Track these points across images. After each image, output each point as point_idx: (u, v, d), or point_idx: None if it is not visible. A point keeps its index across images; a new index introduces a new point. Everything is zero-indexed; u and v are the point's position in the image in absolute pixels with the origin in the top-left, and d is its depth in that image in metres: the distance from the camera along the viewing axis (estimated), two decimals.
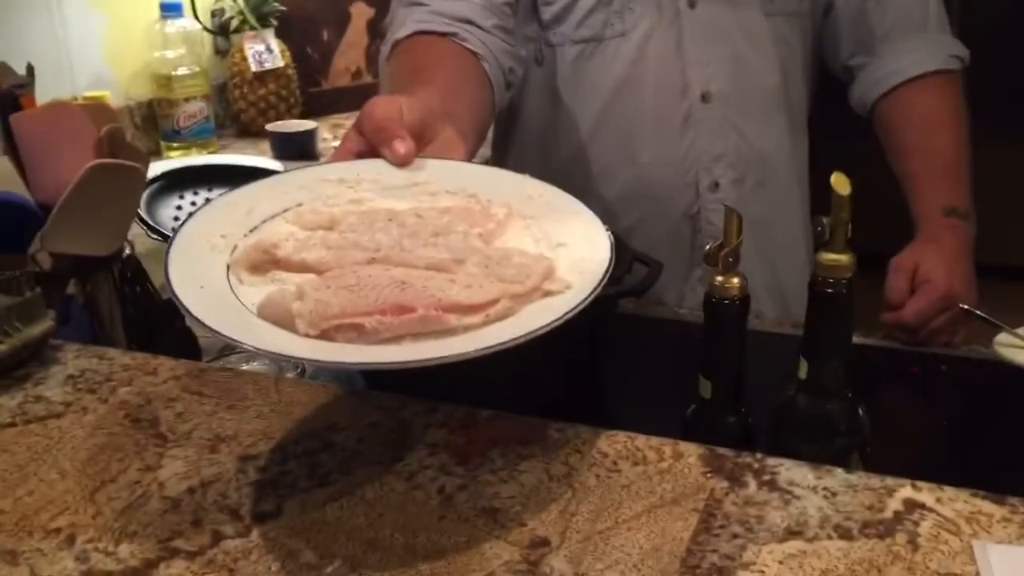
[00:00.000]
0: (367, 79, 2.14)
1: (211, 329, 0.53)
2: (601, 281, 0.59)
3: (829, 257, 0.63)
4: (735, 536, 0.56)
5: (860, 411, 0.67)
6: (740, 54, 1.10)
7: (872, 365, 0.96)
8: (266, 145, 1.82)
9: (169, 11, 1.80)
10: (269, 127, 1.83)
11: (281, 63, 1.94)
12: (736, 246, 0.64)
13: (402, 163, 0.71)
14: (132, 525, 0.59)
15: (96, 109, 0.91)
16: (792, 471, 0.62)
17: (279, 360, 0.87)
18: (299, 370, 0.91)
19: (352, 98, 2.07)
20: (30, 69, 0.96)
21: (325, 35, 2.09)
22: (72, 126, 0.87)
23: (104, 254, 0.87)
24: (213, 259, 0.61)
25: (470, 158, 0.80)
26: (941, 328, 0.99)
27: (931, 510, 0.58)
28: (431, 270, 0.61)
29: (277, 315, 0.57)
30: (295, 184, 0.70)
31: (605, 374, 0.89)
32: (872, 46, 1.16)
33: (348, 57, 2.13)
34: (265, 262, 0.62)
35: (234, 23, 1.96)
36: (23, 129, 0.88)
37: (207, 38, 1.96)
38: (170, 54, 1.81)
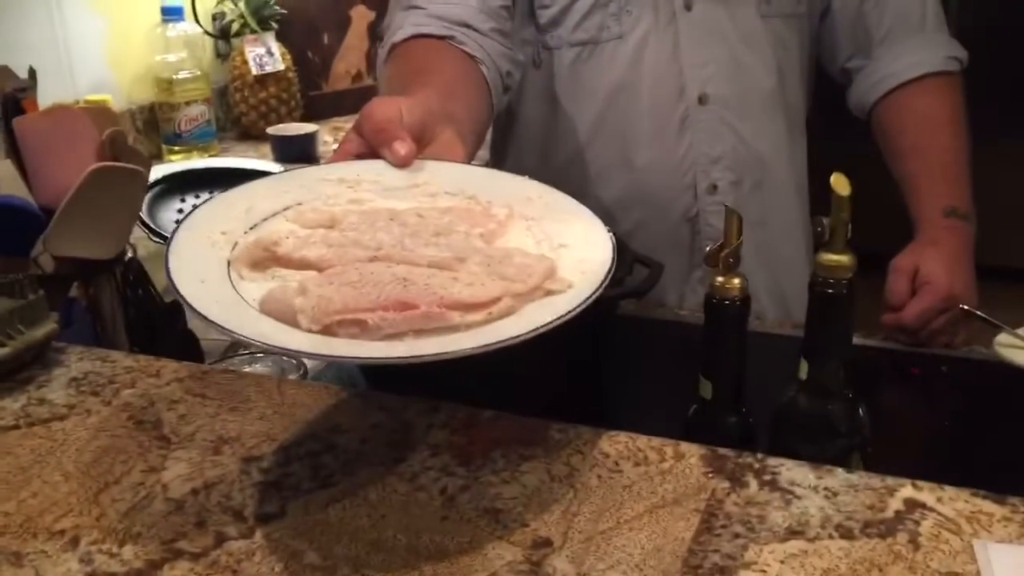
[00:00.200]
0: (367, 82, 2.15)
1: (213, 323, 0.53)
2: (604, 280, 0.59)
3: (829, 258, 0.64)
4: (737, 536, 0.57)
5: (861, 411, 0.67)
6: (737, 56, 1.10)
7: (873, 366, 0.96)
8: (267, 148, 1.82)
9: (170, 15, 1.81)
10: (270, 130, 1.83)
11: (282, 66, 1.94)
12: (736, 247, 0.65)
13: (402, 164, 0.71)
14: (136, 527, 0.59)
15: (98, 112, 0.92)
16: (793, 471, 0.62)
17: (280, 354, 0.88)
18: (301, 372, 0.91)
19: (352, 101, 2.07)
20: (32, 73, 0.96)
21: (325, 38, 2.10)
22: (74, 130, 0.87)
23: (106, 257, 0.87)
24: (214, 255, 0.61)
25: (469, 160, 0.80)
26: (941, 329, 0.99)
27: (932, 510, 0.58)
28: (433, 268, 0.61)
29: (279, 310, 0.57)
30: (295, 183, 0.70)
31: (607, 375, 0.90)
32: (870, 48, 1.16)
33: (348, 60, 2.13)
34: (266, 259, 0.62)
35: (235, 26, 1.96)
36: (26, 132, 0.88)
37: (208, 42, 1.97)
38: (171, 58, 1.81)
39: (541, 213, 0.69)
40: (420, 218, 0.66)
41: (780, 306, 1.17)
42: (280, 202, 0.68)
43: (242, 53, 1.93)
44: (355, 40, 2.13)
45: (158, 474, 0.64)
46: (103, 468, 0.65)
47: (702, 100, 1.10)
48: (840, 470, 0.62)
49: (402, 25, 1.00)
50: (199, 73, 1.84)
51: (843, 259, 0.63)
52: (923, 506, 0.59)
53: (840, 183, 0.63)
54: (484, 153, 1.23)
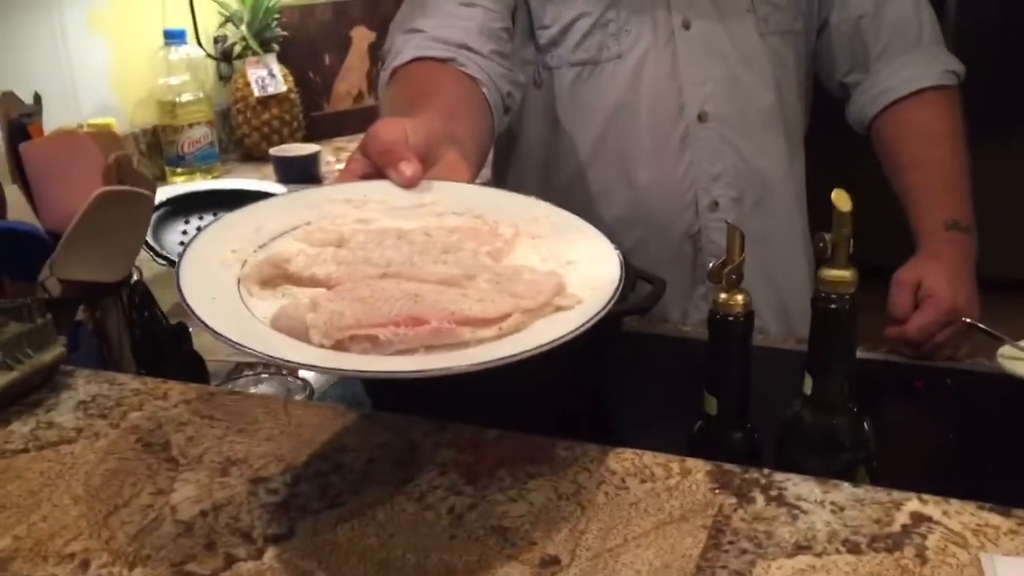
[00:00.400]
0: (369, 102, 2.16)
1: (225, 339, 0.54)
2: (614, 295, 0.59)
3: (832, 273, 0.64)
4: (744, 552, 0.57)
5: (865, 425, 0.68)
6: (736, 74, 1.11)
7: (877, 379, 0.97)
8: (269, 169, 1.83)
9: (172, 38, 1.82)
10: (272, 151, 1.84)
11: (283, 88, 1.95)
12: (739, 263, 0.65)
13: (409, 185, 0.72)
14: (145, 549, 0.59)
15: (103, 136, 0.92)
16: (799, 486, 0.63)
17: (295, 368, 0.88)
18: (307, 392, 0.92)
19: (354, 121, 2.09)
20: (37, 98, 0.97)
21: (327, 59, 2.11)
22: (80, 154, 0.88)
23: (113, 280, 0.88)
24: (224, 273, 0.62)
25: (473, 181, 0.80)
26: (945, 342, 0.99)
27: (938, 523, 0.59)
28: (442, 285, 0.61)
29: (291, 327, 0.57)
30: (303, 204, 0.71)
31: (611, 392, 0.90)
32: (867, 63, 1.17)
33: (350, 81, 2.15)
34: (276, 276, 0.62)
35: (237, 49, 1.98)
36: (32, 157, 0.89)
37: (210, 64, 1.98)
38: (174, 80, 1.82)
39: (547, 232, 0.69)
40: (428, 237, 0.67)
41: (783, 322, 1.17)
42: (288, 221, 0.68)
43: (244, 75, 1.94)
44: (356, 60, 2.15)
45: (167, 496, 0.65)
46: (112, 491, 0.65)
47: (702, 118, 1.11)
48: (846, 484, 0.63)
49: (403, 49, 1.01)
50: (202, 95, 1.85)
51: (846, 274, 0.64)
52: (929, 520, 0.59)
53: (841, 199, 0.63)
54: (486, 171, 1.24)
